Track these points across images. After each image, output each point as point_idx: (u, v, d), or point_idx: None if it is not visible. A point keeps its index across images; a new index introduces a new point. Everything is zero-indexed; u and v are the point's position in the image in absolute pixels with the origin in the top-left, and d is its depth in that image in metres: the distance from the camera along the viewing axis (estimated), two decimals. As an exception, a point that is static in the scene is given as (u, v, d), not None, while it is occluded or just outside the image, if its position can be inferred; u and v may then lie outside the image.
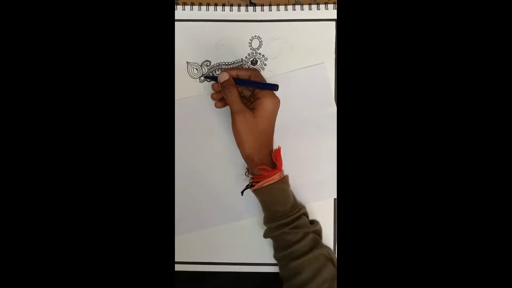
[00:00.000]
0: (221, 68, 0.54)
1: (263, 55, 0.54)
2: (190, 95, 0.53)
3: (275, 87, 0.46)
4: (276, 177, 0.47)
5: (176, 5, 0.54)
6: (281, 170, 0.48)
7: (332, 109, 0.53)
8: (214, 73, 0.54)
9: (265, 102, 0.46)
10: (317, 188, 0.53)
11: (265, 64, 0.54)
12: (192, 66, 0.54)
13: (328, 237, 0.53)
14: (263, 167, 0.47)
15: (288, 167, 0.52)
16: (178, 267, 0.53)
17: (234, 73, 0.48)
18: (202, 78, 0.54)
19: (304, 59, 0.54)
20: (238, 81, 0.48)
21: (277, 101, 0.47)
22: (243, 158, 0.48)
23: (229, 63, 0.54)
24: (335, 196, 0.53)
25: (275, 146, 0.50)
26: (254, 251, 0.53)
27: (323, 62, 0.54)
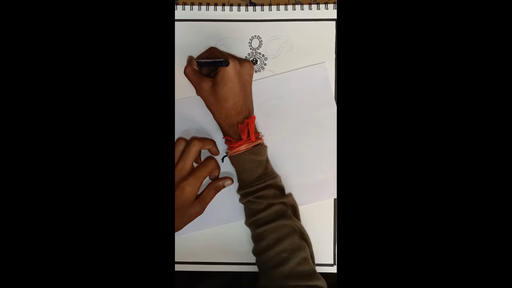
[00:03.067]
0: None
1: (263, 55, 0.54)
2: (190, 95, 0.53)
3: (223, 62, 0.45)
4: (241, 148, 0.47)
5: (176, 5, 0.54)
6: (247, 142, 0.48)
7: (332, 109, 0.53)
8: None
9: (222, 70, 0.46)
10: (317, 189, 0.53)
11: (265, 64, 0.54)
12: (192, 66, 0.54)
13: (328, 237, 0.53)
14: (226, 137, 0.49)
15: (288, 167, 0.52)
16: (178, 267, 0.53)
17: (198, 57, 0.52)
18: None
19: (304, 59, 0.54)
20: (199, 64, 0.50)
21: (242, 66, 0.47)
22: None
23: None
24: (335, 197, 0.53)
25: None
26: (254, 251, 0.53)
27: (323, 62, 0.54)
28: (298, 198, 0.52)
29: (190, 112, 0.53)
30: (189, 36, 0.54)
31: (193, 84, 0.49)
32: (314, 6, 0.54)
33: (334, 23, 0.54)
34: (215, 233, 0.53)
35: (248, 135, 0.47)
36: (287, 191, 0.52)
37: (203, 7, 0.54)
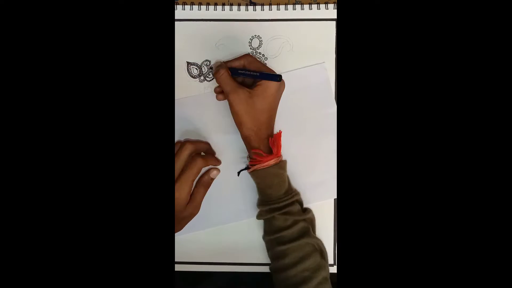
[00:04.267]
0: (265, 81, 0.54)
1: (263, 55, 0.54)
2: (190, 95, 0.53)
3: (277, 77, 0.45)
4: (271, 162, 0.46)
5: (176, 5, 0.54)
6: (277, 156, 0.47)
7: (332, 109, 0.53)
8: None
9: (265, 83, 0.45)
10: (317, 189, 0.53)
11: (265, 64, 0.54)
12: (192, 66, 0.54)
13: (328, 238, 0.53)
14: (257, 151, 0.47)
15: (288, 167, 0.52)
16: (178, 267, 0.53)
17: (231, 64, 0.49)
18: (202, 78, 0.54)
19: (304, 59, 0.54)
20: (236, 73, 0.48)
21: (281, 83, 0.47)
22: (242, 139, 0.48)
23: (229, 63, 0.54)
24: (335, 197, 0.53)
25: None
26: (254, 251, 0.53)
27: (323, 62, 0.54)
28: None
29: (190, 111, 0.53)
30: (189, 36, 0.54)
31: (226, 89, 0.47)
32: (314, 6, 0.54)
33: (334, 23, 0.54)
34: (215, 233, 0.53)
35: (278, 149, 0.47)
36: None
37: (203, 7, 0.54)
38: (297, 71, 0.54)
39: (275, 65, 0.54)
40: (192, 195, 0.48)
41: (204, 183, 0.50)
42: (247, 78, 0.49)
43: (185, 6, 0.54)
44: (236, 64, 0.49)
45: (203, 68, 0.54)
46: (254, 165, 0.47)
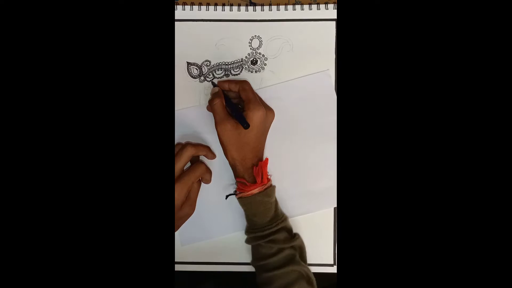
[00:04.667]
0: (221, 68, 0.54)
1: (263, 55, 0.54)
2: (189, 106, 0.53)
3: (245, 125, 0.45)
4: (254, 191, 0.47)
5: (176, 5, 0.54)
6: (261, 185, 0.47)
7: (335, 117, 0.53)
8: (214, 73, 0.54)
9: (250, 115, 0.46)
10: (317, 198, 0.53)
11: (265, 64, 0.54)
12: (192, 66, 0.54)
13: (328, 247, 0.53)
14: (241, 180, 0.48)
15: (290, 176, 0.53)
16: (178, 267, 0.53)
17: (226, 85, 0.50)
18: (202, 78, 0.54)
19: (304, 59, 0.54)
20: (227, 102, 0.49)
21: (267, 115, 0.48)
22: (230, 166, 0.49)
23: (229, 63, 0.54)
24: (335, 205, 0.53)
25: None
26: (254, 251, 0.53)
27: (327, 69, 0.53)
28: (300, 207, 0.53)
29: (189, 122, 0.53)
30: (189, 36, 0.54)
31: (215, 119, 0.47)
32: (314, 6, 0.54)
33: (334, 23, 0.54)
34: (215, 233, 0.53)
35: (262, 178, 0.47)
36: (289, 200, 0.53)
37: (203, 7, 0.54)
38: (301, 79, 0.54)
39: (275, 66, 0.54)
40: (188, 195, 0.48)
41: (199, 181, 0.50)
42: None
43: (185, 6, 0.54)
44: (232, 86, 0.50)
45: (203, 68, 0.54)
46: (240, 192, 0.48)
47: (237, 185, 0.49)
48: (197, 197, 0.49)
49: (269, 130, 0.51)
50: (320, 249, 0.53)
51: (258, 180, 0.47)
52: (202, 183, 0.51)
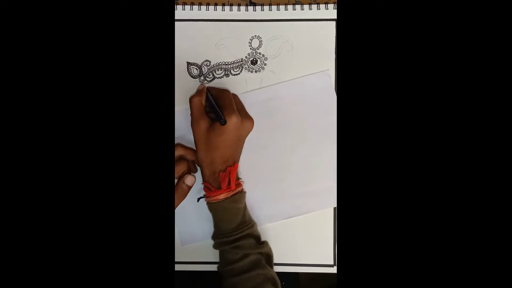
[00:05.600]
0: (221, 68, 0.54)
1: (263, 55, 0.54)
2: (188, 106, 0.53)
3: (221, 120, 0.44)
4: (220, 197, 0.46)
5: (176, 5, 0.54)
6: (227, 190, 0.46)
7: (335, 117, 0.53)
8: (214, 73, 0.54)
9: (227, 121, 0.45)
10: (317, 198, 0.53)
11: (265, 64, 0.54)
12: (192, 66, 0.54)
13: (328, 247, 0.53)
14: (206, 184, 0.47)
15: (289, 175, 0.53)
16: (178, 267, 0.53)
17: (214, 92, 0.49)
18: (202, 78, 0.54)
19: (304, 59, 0.54)
20: (207, 99, 0.48)
21: (243, 123, 0.46)
22: None
23: (229, 63, 0.54)
24: (335, 205, 0.53)
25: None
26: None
27: (327, 69, 0.54)
28: (300, 207, 0.53)
29: (190, 122, 0.53)
30: (189, 36, 0.54)
31: (192, 116, 0.47)
32: (314, 6, 0.54)
33: (334, 23, 0.54)
34: (215, 233, 0.53)
35: (229, 184, 0.46)
36: (289, 200, 0.53)
37: (203, 7, 0.54)
38: (301, 79, 0.54)
39: (275, 65, 0.54)
40: None
41: (179, 190, 0.49)
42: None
43: (185, 6, 0.54)
44: (214, 92, 0.49)
45: (203, 68, 0.54)
46: (207, 196, 0.48)
47: (204, 189, 0.48)
48: (176, 208, 0.48)
49: (269, 129, 0.51)
50: (320, 249, 0.53)
51: (223, 186, 0.46)
52: (185, 196, 0.49)
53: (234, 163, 0.47)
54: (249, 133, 0.49)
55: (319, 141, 0.53)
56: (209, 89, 0.50)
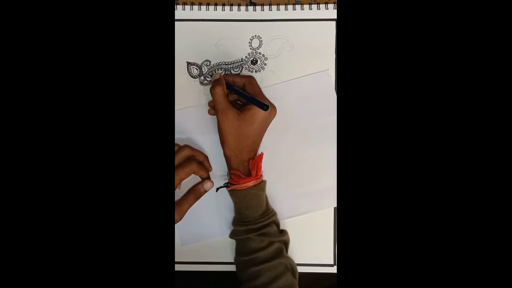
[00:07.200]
0: (221, 68, 0.54)
1: (263, 55, 0.54)
2: (189, 106, 0.53)
3: (264, 106, 0.45)
4: (249, 184, 0.47)
5: (176, 5, 0.54)
6: (255, 178, 0.47)
7: (335, 117, 0.53)
8: (214, 72, 0.54)
9: (255, 109, 0.46)
10: (317, 198, 0.53)
11: (265, 64, 0.54)
12: (192, 66, 0.54)
13: (328, 247, 0.53)
14: (236, 172, 0.47)
15: (289, 175, 0.53)
16: (178, 267, 0.53)
17: (230, 79, 0.50)
18: (202, 78, 0.54)
19: (304, 59, 0.54)
20: (231, 89, 0.48)
21: (271, 111, 0.48)
22: (224, 157, 0.49)
23: (229, 63, 0.54)
24: (335, 205, 0.53)
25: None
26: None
27: (327, 69, 0.54)
28: (300, 207, 0.53)
29: (189, 123, 0.53)
30: (189, 36, 0.54)
31: (217, 108, 0.47)
32: (314, 6, 0.54)
33: (334, 23, 0.54)
34: (215, 233, 0.53)
35: (257, 171, 0.47)
36: (289, 200, 0.53)
37: (203, 7, 0.54)
38: (301, 79, 0.54)
39: (275, 65, 0.54)
40: (180, 201, 0.48)
41: (195, 192, 0.49)
42: (241, 98, 0.49)
43: (185, 6, 0.54)
44: (237, 80, 0.50)
45: (203, 68, 0.54)
46: (233, 184, 0.48)
47: (232, 177, 0.48)
48: (188, 209, 0.48)
49: (269, 130, 0.51)
50: (320, 249, 0.53)
51: (253, 173, 0.47)
52: (199, 198, 0.50)
53: (257, 151, 0.49)
54: (272, 120, 0.50)
55: (319, 141, 0.53)
56: (226, 77, 0.50)
